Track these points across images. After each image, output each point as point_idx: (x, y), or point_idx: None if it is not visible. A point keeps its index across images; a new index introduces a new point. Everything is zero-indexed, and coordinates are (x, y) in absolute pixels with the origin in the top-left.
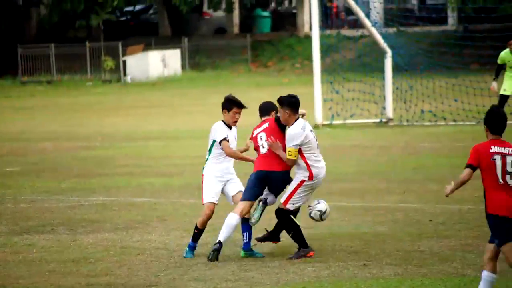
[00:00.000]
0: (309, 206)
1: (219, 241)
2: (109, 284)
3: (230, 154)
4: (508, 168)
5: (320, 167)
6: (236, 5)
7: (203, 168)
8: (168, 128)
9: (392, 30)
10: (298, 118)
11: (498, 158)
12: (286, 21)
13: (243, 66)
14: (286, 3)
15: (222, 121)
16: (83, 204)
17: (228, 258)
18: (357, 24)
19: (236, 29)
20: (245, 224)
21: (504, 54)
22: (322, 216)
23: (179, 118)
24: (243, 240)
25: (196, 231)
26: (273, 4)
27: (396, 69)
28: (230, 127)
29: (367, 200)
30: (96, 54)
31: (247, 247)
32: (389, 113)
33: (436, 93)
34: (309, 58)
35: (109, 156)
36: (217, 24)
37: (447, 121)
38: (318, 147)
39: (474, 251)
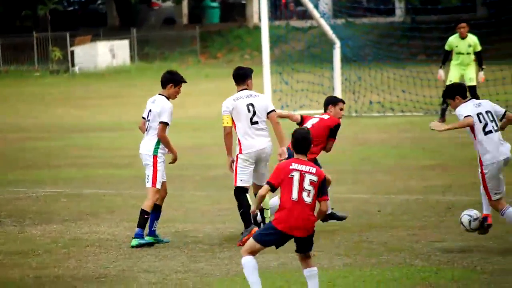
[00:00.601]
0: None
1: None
2: (57, 276)
3: (163, 138)
4: (306, 186)
5: (252, 140)
6: None
7: (156, 149)
8: (118, 119)
9: (340, 21)
10: (244, 89)
11: (296, 175)
12: (235, 11)
13: (192, 57)
14: None
15: (163, 95)
16: (31, 195)
17: (177, 249)
18: (306, 15)
19: (185, 20)
20: (155, 212)
21: (452, 39)
22: (471, 222)
23: (128, 109)
24: (150, 227)
25: (146, 216)
26: None
27: (345, 60)
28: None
29: None
30: (43, 45)
31: (152, 233)
32: None
33: (384, 84)
34: (258, 49)
35: (58, 147)
36: (166, 15)
37: (395, 112)
38: (257, 123)
39: (422, 241)
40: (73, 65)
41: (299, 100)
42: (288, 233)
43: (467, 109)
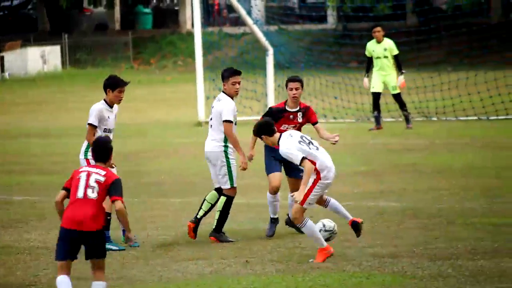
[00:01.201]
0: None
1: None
2: None
3: (89, 141)
4: (91, 183)
5: (206, 141)
6: (117, 1)
7: (86, 152)
8: (49, 125)
9: (273, 28)
10: (222, 91)
11: (83, 175)
12: (168, 18)
13: (125, 63)
14: (168, 0)
15: (104, 100)
16: None
17: (109, 256)
18: (239, 21)
19: (117, 26)
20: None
21: (369, 44)
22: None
23: (60, 115)
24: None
25: (107, 217)
26: (154, 1)
27: (278, 66)
28: (111, 106)
29: (250, 197)
30: None
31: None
32: None
33: (316, 91)
34: (192, 55)
35: None
36: (98, 20)
37: (327, 119)
38: (211, 126)
39: (353, 247)
40: (3, 70)
41: None
42: (74, 228)
43: (292, 148)
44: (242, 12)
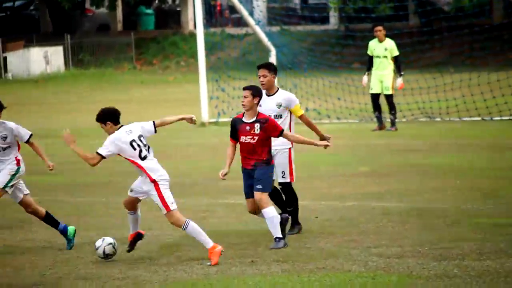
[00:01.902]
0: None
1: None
2: None
3: None
4: None
5: None
6: (119, 2)
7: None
8: (52, 126)
9: (275, 28)
10: None
11: None
12: (170, 18)
13: (127, 64)
14: (170, 1)
15: None
16: None
17: (115, 256)
18: (241, 22)
19: (119, 26)
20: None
21: (371, 43)
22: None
23: (62, 116)
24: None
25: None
26: (156, 2)
27: (280, 67)
28: None
29: None
30: None
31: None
32: None
33: (320, 92)
34: (194, 56)
35: None
36: (100, 21)
37: (331, 119)
38: None
39: (359, 247)
40: (5, 71)
41: (235, 107)
42: None
43: (113, 142)
44: (244, 12)
